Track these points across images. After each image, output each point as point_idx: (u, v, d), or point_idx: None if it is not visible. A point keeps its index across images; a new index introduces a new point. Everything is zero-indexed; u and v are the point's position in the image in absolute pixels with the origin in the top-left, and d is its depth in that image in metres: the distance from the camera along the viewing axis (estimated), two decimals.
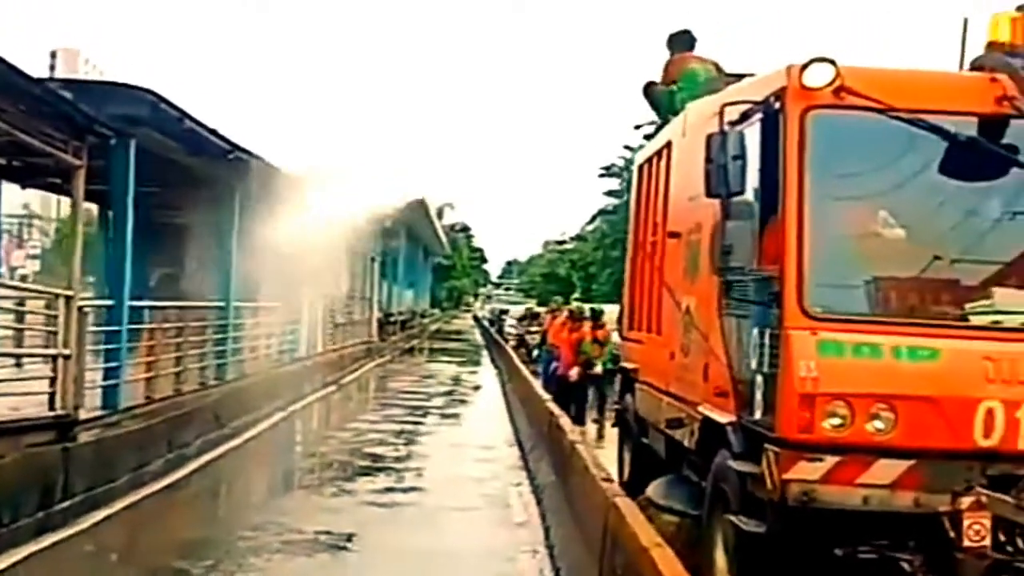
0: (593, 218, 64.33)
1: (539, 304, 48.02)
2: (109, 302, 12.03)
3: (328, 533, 8.70)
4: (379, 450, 13.48)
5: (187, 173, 14.97)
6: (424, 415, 17.87)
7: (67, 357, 10.05)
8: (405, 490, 10.86)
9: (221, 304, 16.22)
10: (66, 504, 9.02)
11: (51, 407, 9.83)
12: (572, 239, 79.42)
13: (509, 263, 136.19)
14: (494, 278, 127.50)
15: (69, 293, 10.34)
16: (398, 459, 12.87)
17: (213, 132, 13.48)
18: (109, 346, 11.69)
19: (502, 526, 9.29)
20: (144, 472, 10.75)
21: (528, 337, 28.81)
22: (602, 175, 54.57)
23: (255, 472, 12.29)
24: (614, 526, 6.17)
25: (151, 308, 13.37)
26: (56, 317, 10.19)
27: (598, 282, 52.06)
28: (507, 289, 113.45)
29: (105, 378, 11.64)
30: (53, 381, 9.95)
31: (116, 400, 11.68)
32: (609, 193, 53.68)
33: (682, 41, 9.35)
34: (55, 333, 10.12)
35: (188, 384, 14.19)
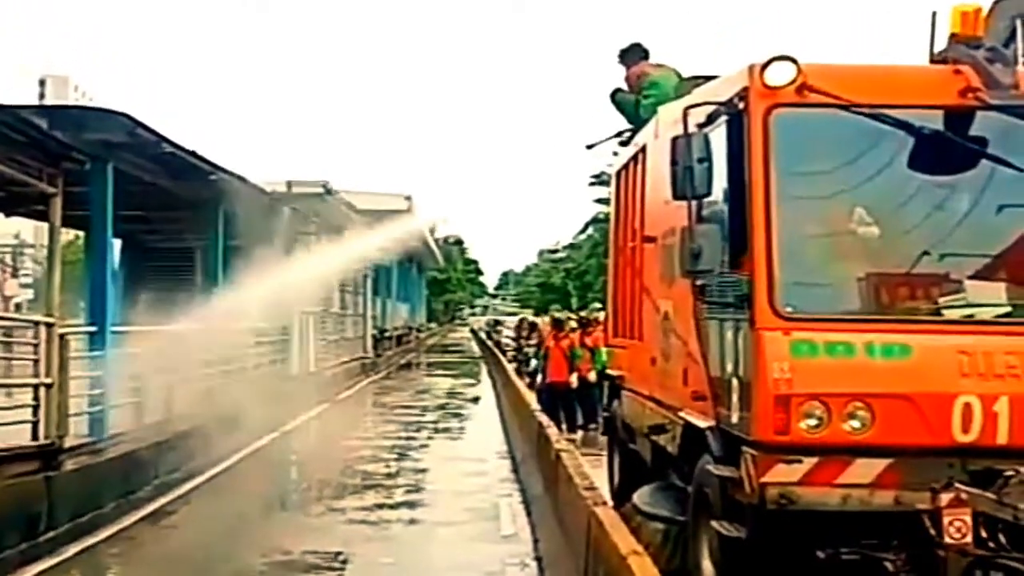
0: (586, 226, 64.40)
1: (536, 313, 47.98)
2: (92, 328, 11.97)
3: (314, 553, 8.64)
4: (370, 467, 13.40)
5: (169, 196, 14.93)
6: (417, 430, 17.80)
7: (49, 386, 9.99)
8: (394, 506, 10.80)
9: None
10: (51, 534, 8.96)
11: (34, 436, 9.78)
12: (566, 248, 79.50)
13: (505, 274, 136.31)
14: (490, 289, 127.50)
15: (50, 320, 10.29)
16: (389, 475, 12.80)
17: (192, 154, 13.44)
18: (93, 372, 11.64)
19: (490, 539, 9.22)
20: (131, 498, 10.68)
21: (528, 348, 28.64)
22: (592, 183, 54.61)
23: (243, 494, 12.18)
24: (595, 535, 6.12)
25: (134, 333, 13.27)
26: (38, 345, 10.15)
27: (593, 290, 52.04)
28: (503, 300, 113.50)
29: (90, 405, 11.59)
30: (36, 410, 9.90)
31: (102, 427, 11.64)
32: (600, 201, 53.68)
33: (634, 53, 9.42)
34: (37, 361, 10.07)
35: (176, 408, 14.12)
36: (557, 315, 21.25)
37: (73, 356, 10.85)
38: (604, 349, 16.29)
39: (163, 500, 10.98)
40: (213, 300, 16.26)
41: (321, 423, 19.67)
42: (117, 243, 16.38)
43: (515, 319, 42.98)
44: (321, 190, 21.30)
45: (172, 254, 19.31)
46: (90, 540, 9.10)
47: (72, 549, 8.76)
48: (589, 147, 10.42)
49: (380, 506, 10.80)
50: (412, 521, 10.16)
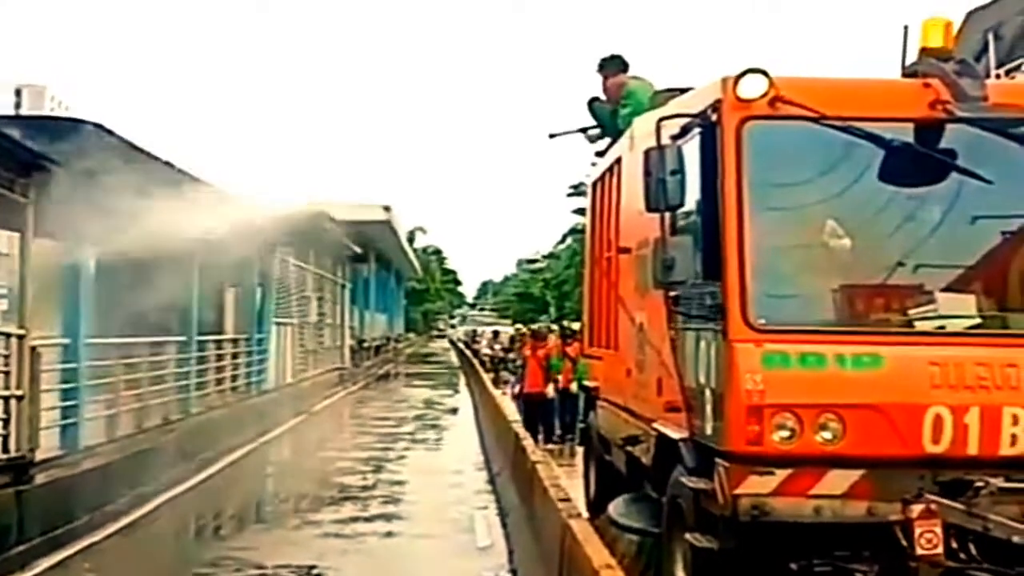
0: (564, 237, 64.54)
1: (514, 323, 47.96)
2: (65, 340, 11.87)
3: (287, 567, 8.58)
4: (346, 479, 13.34)
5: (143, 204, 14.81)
6: (394, 441, 17.74)
7: (20, 398, 9.89)
8: (370, 519, 10.74)
9: (183, 339, 16.05)
10: (22, 548, 8.86)
11: (4, 449, 9.67)
12: (545, 258, 79.62)
13: (484, 284, 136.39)
14: (469, 299, 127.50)
15: (20, 332, 10.19)
16: (365, 488, 12.75)
17: (164, 163, 13.36)
18: (66, 385, 11.54)
19: (465, 552, 9.19)
20: (104, 512, 10.58)
21: (509, 358, 28.54)
22: (571, 194, 54.78)
23: (218, 507, 12.13)
24: (569, 548, 6.11)
25: (109, 345, 13.16)
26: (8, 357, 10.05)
27: (571, 300, 52.12)
28: (482, 310, 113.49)
29: (63, 417, 11.49)
30: (7, 423, 9.79)
31: (75, 439, 11.53)
32: (578, 211, 53.81)
33: (614, 64, 9.47)
34: (7, 373, 9.97)
35: (150, 420, 14.03)
36: (537, 326, 21.29)
37: (45, 368, 10.76)
38: (555, 358, 16.45)
39: (136, 513, 10.88)
40: (189, 311, 16.18)
41: (297, 435, 19.59)
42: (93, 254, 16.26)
43: (492, 329, 43.01)
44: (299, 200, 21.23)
45: (148, 265, 19.20)
46: (62, 554, 9.01)
47: (44, 563, 8.66)
48: (552, 136, 10.44)
49: (356, 519, 10.75)
50: (388, 534, 10.12)
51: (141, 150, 12.58)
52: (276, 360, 23.05)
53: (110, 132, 11.77)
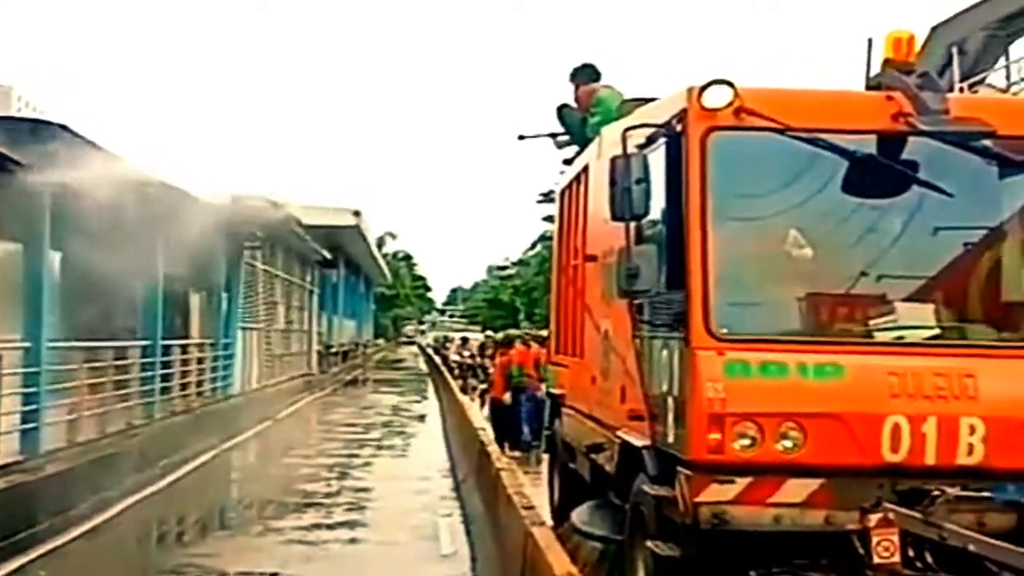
0: (534, 244, 64.64)
1: (483, 330, 47.89)
2: (26, 344, 11.74)
3: (250, 574, 8.53)
4: (311, 486, 13.28)
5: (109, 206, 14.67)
6: (360, 447, 17.69)
7: None
8: (333, 526, 10.70)
9: (147, 342, 15.93)
10: None
11: None
12: (515, 264, 79.68)
13: (454, 290, 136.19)
14: (439, 305, 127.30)
15: None
16: (329, 495, 12.69)
17: (130, 164, 13.25)
18: (28, 388, 11.42)
19: (429, 559, 9.18)
20: (66, 517, 10.47)
21: (477, 365, 28.44)
22: (540, 201, 54.81)
23: (181, 513, 12.04)
24: (532, 555, 6.12)
25: (71, 349, 13.04)
26: None
27: (540, 307, 52.19)
28: (451, 316, 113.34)
29: (24, 421, 11.37)
30: None
31: (36, 444, 11.41)
32: (548, 219, 53.88)
33: (586, 73, 9.49)
34: None
35: (114, 425, 13.91)
36: (504, 334, 21.30)
37: (6, 372, 10.65)
38: (515, 366, 16.40)
39: (98, 519, 10.78)
40: (154, 314, 16.05)
41: (262, 441, 19.47)
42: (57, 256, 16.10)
43: (461, 336, 42.89)
44: (266, 203, 21.11)
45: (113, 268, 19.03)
46: (23, 559, 8.91)
47: (4, 569, 8.57)
48: (521, 138, 10.45)
49: (319, 525, 10.70)
50: (351, 540, 10.08)
51: (107, 151, 12.47)
52: (242, 365, 22.93)
53: (75, 133, 11.67)
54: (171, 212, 15.51)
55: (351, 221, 32.30)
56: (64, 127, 11.56)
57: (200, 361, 19.74)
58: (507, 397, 16.30)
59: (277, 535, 10.24)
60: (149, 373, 15.89)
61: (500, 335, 23.73)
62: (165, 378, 16.95)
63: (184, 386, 18.51)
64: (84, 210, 13.47)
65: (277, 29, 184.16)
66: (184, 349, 18.77)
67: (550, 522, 9.16)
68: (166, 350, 16.99)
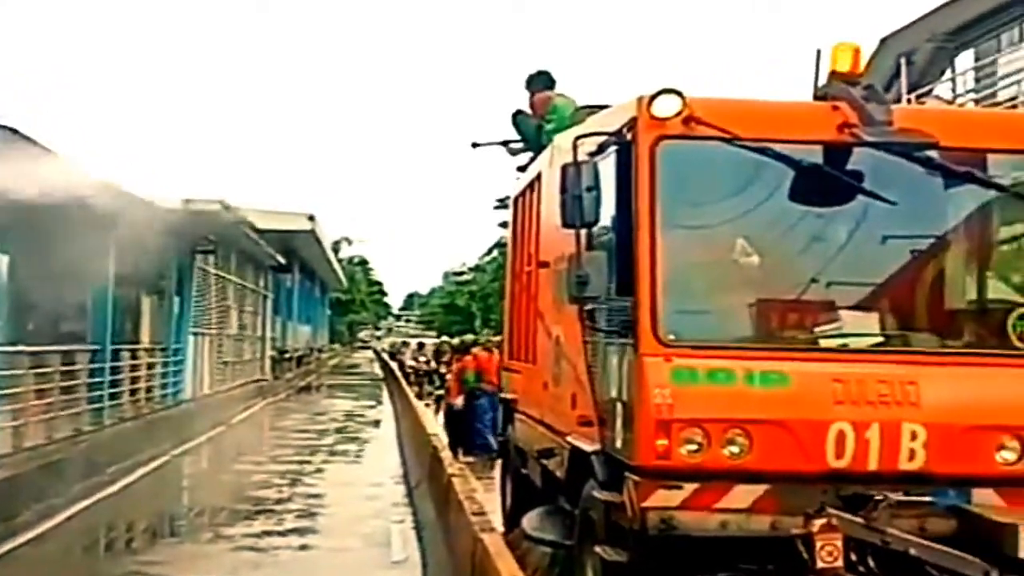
0: (490, 249, 64.70)
1: (439, 336, 47.81)
2: None
3: None
4: (262, 493, 13.17)
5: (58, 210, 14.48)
6: (312, 453, 17.57)
7: None
8: (283, 533, 10.62)
9: (96, 347, 15.73)
10: None
11: None
12: (471, 270, 79.68)
13: (410, 295, 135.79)
14: (395, 311, 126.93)
15: None
16: (280, 501, 12.59)
17: (79, 167, 13.10)
18: None
19: (380, 566, 9.15)
20: (11, 524, 10.30)
21: (433, 370, 28.32)
22: (497, 207, 54.80)
23: (130, 520, 11.88)
24: (480, 562, 6.12)
25: (18, 353, 12.86)
26: None
27: (497, 312, 52.22)
28: (408, 321, 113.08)
29: None
30: None
31: None
32: (504, 225, 53.89)
33: (540, 80, 9.55)
34: None
35: (61, 431, 13.73)
36: (460, 340, 21.29)
37: None
38: (471, 372, 16.42)
39: (45, 526, 10.62)
40: (103, 318, 15.86)
41: (214, 447, 19.29)
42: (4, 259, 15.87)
43: (417, 341, 42.79)
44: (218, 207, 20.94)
45: (62, 271, 18.78)
46: None
47: None
48: (475, 145, 10.48)
49: (270, 532, 10.61)
50: (302, 547, 10.01)
51: (56, 154, 12.32)
52: (194, 370, 22.72)
53: (23, 135, 11.50)
54: (121, 215, 15.34)
55: (306, 225, 32.10)
56: (11, 129, 11.39)
57: (150, 366, 19.54)
58: (459, 402, 16.28)
59: (227, 542, 10.14)
60: (98, 378, 15.69)
61: (456, 340, 23.71)
62: (115, 383, 16.76)
63: (134, 391, 18.32)
64: (32, 213, 13.29)
65: (232, 32, 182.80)
66: (134, 354, 18.56)
67: (502, 528, 9.19)
68: (116, 355, 16.79)
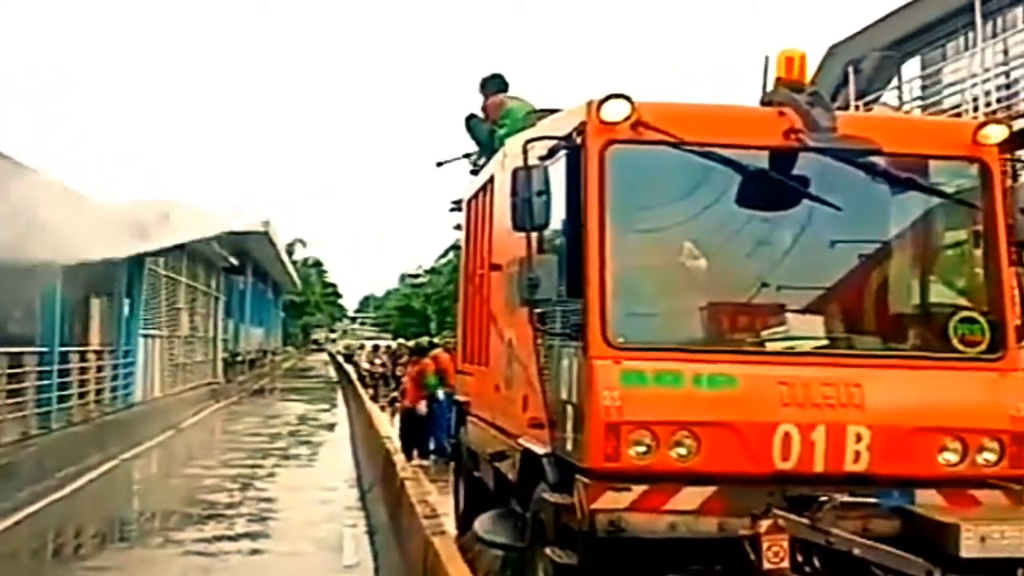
0: (446, 252, 64.53)
1: (395, 338, 47.64)
2: None
3: None
4: (213, 497, 13.05)
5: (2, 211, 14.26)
6: (264, 458, 17.43)
7: None
8: (235, 537, 10.53)
9: (44, 350, 15.50)
10: None
11: None
12: (427, 272, 79.47)
13: (365, 298, 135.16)
14: (350, 313, 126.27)
15: None
16: (231, 505, 12.49)
17: (28, 168, 12.94)
18: None
19: (331, 570, 9.12)
20: None
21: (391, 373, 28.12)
22: (452, 209, 54.57)
23: (78, 525, 11.73)
24: (431, 565, 6.12)
25: None
26: None
27: (452, 315, 52.11)
28: (363, 324, 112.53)
29: None
30: None
31: None
32: (459, 227, 53.74)
33: (494, 83, 9.57)
34: None
35: (8, 435, 13.51)
36: (416, 342, 21.21)
37: None
38: (431, 374, 16.38)
39: None
40: (51, 320, 15.63)
41: (164, 451, 19.09)
42: None
43: (372, 343, 42.55)
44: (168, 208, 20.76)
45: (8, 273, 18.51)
46: None
47: None
48: (439, 164, 10.48)
49: (221, 537, 10.53)
50: (253, 552, 9.94)
51: (4, 154, 12.13)
52: (144, 373, 22.49)
53: None
54: (70, 216, 15.14)
55: (259, 227, 31.88)
56: None
57: (100, 369, 19.29)
58: (422, 406, 16.19)
59: (176, 547, 10.05)
60: (46, 381, 15.46)
61: (413, 343, 23.59)
62: (63, 386, 16.53)
63: (83, 395, 18.07)
64: None
65: (189, 34, 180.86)
66: (83, 356, 18.31)
67: (455, 531, 9.19)
68: (64, 357, 16.56)
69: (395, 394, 23.09)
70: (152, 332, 23.67)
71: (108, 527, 11.93)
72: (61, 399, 16.31)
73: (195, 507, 12.25)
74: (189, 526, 11.14)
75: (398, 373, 25.89)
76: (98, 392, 19.01)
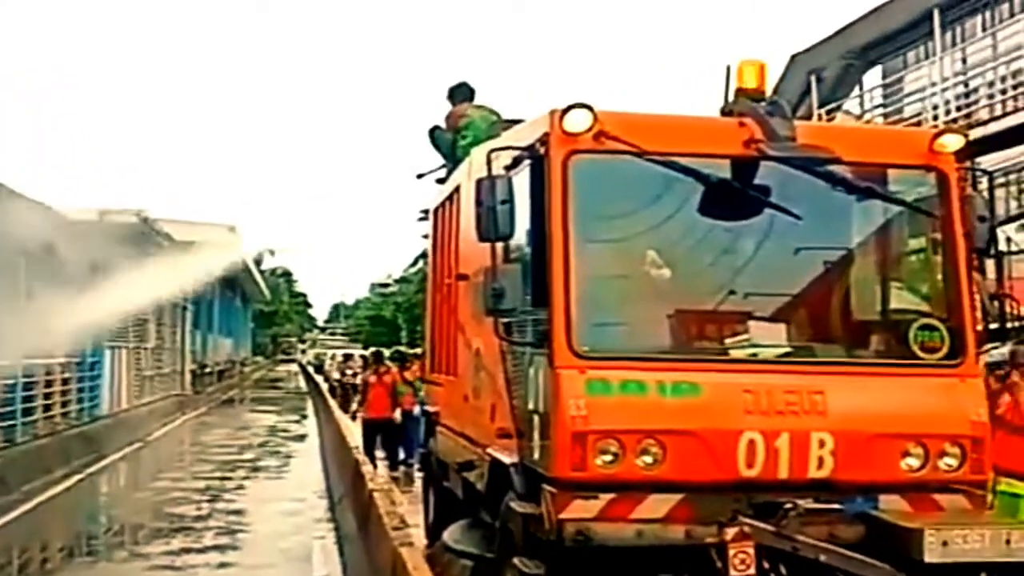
0: (416, 260, 64.42)
1: (365, 347, 47.44)
2: None
3: None
4: (180, 509, 12.95)
5: None
6: (233, 469, 17.31)
7: None
8: (203, 550, 10.45)
9: (7, 362, 15.32)
10: None
11: None
12: (397, 281, 79.32)
13: (335, 307, 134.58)
14: (320, 323, 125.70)
15: None
16: (199, 518, 12.39)
17: None
18: None
19: None
20: None
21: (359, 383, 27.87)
22: (422, 218, 54.48)
23: (44, 539, 11.60)
24: (399, 575, 6.10)
25: None
26: None
27: (422, 324, 51.97)
28: (333, 333, 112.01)
29: None
30: None
31: None
32: (427, 236, 53.69)
33: (461, 92, 9.61)
34: None
35: None
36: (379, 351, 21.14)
37: None
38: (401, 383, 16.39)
39: None
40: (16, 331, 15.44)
41: (132, 464, 18.91)
42: None
43: (343, 353, 42.29)
44: (136, 219, 20.58)
45: None
46: None
47: None
48: (419, 176, 10.50)
49: (188, 550, 10.44)
50: (221, 565, 9.87)
51: None
52: (110, 385, 22.25)
53: None
54: (35, 227, 15.00)
55: (227, 237, 31.64)
56: None
57: (65, 381, 19.07)
58: (397, 415, 16.13)
59: (143, 560, 9.96)
60: (10, 394, 15.28)
61: (370, 351, 23.41)
62: (28, 399, 16.34)
63: (48, 407, 17.86)
64: None
65: (155, 41, 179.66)
66: (48, 368, 18.11)
67: (424, 541, 9.17)
68: (28, 369, 16.37)
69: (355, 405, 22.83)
70: (118, 343, 23.44)
71: (74, 541, 11.81)
72: (26, 412, 16.12)
73: (163, 520, 12.15)
74: (156, 539, 11.05)
75: (371, 380, 25.70)
76: (64, 404, 18.80)
